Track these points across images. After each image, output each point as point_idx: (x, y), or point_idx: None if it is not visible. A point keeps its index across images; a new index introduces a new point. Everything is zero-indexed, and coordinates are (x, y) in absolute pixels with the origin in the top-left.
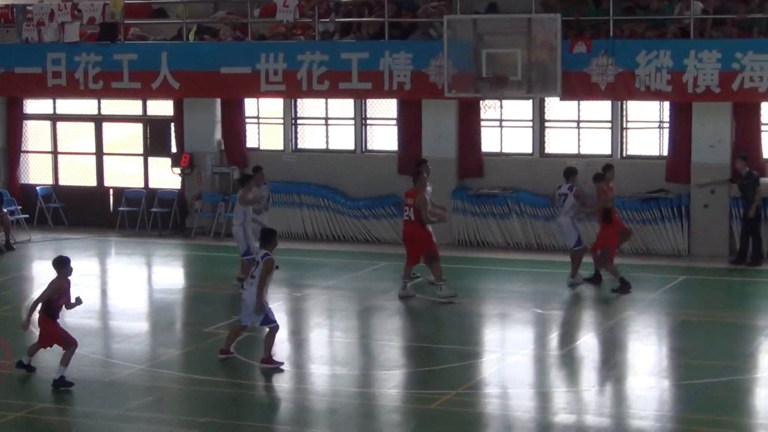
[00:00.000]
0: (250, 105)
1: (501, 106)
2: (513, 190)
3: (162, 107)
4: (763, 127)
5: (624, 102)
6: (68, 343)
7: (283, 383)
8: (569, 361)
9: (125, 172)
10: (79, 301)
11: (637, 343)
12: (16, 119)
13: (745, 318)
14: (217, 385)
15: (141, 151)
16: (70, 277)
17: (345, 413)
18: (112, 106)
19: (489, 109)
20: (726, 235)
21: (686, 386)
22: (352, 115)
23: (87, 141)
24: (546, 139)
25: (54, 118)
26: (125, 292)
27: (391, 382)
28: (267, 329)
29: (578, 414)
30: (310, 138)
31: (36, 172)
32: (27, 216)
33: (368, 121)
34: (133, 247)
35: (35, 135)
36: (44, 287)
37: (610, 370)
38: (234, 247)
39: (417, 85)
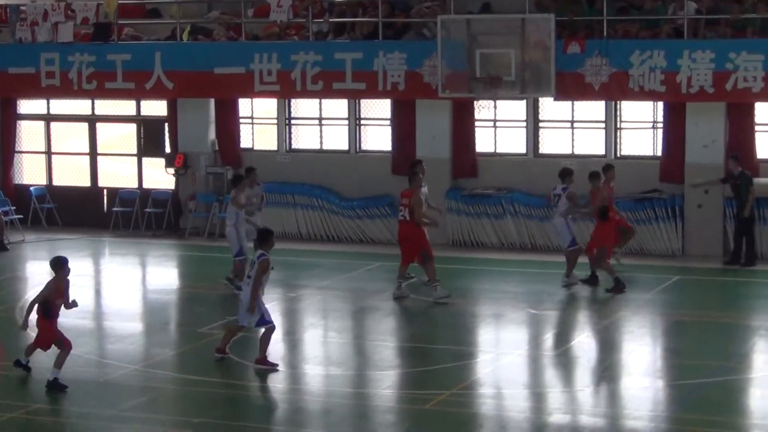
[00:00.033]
0: (244, 105)
1: (495, 107)
2: (507, 190)
3: (156, 107)
4: (756, 128)
5: (618, 102)
6: (63, 345)
7: (277, 384)
8: (564, 362)
9: (119, 173)
10: (74, 303)
11: (631, 343)
12: (9, 119)
13: (739, 318)
14: (211, 385)
15: (135, 152)
16: (68, 278)
17: (339, 414)
18: (105, 106)
19: (483, 109)
20: (720, 236)
21: (680, 386)
22: (346, 116)
23: (81, 141)
24: (540, 139)
25: (48, 118)
26: (119, 292)
27: (386, 383)
28: (263, 330)
29: (573, 414)
30: (304, 138)
31: (30, 172)
32: (21, 216)
33: (362, 122)
34: (127, 247)
35: (29, 135)
36: (38, 287)
37: (604, 371)
38: (228, 248)
39: (411, 85)
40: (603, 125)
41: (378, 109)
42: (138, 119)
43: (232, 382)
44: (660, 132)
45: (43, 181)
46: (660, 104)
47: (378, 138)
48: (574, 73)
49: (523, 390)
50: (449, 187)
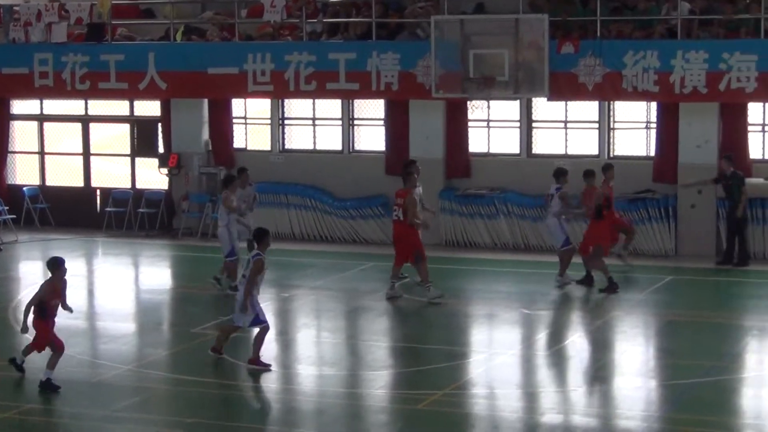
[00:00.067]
0: (238, 105)
1: (488, 107)
2: (500, 190)
3: (149, 107)
4: (750, 128)
5: (611, 102)
6: (55, 347)
7: (270, 384)
8: (556, 362)
9: (112, 173)
10: (70, 310)
11: (624, 343)
12: (2, 120)
13: (731, 318)
14: (204, 385)
15: (128, 152)
16: (65, 278)
17: (332, 414)
18: (99, 106)
19: (476, 109)
20: (713, 236)
21: (673, 386)
22: (340, 116)
23: (74, 141)
24: (533, 139)
25: (41, 118)
26: (112, 292)
27: (379, 383)
28: (257, 329)
29: (565, 414)
30: (298, 138)
31: (23, 172)
32: (14, 216)
33: (356, 122)
34: (120, 247)
35: (22, 135)
36: (31, 287)
37: (597, 371)
38: (220, 248)
39: (404, 85)
40: (596, 125)
41: (371, 109)
42: (131, 119)
43: (225, 382)
44: (653, 132)
45: (37, 182)
46: (653, 104)
47: (371, 138)
48: (568, 74)
49: (515, 390)
50: (442, 188)
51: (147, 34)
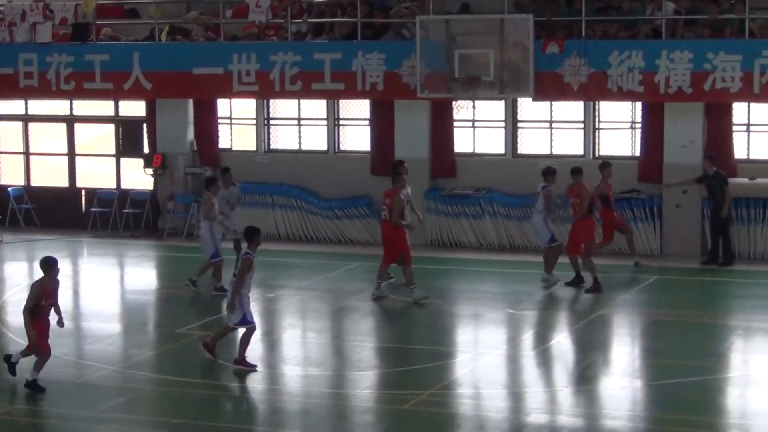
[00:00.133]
0: (223, 105)
1: (474, 107)
2: (486, 190)
3: (134, 108)
4: (734, 128)
5: (596, 102)
6: (40, 352)
7: (256, 384)
8: (542, 362)
9: (97, 173)
10: (60, 323)
11: (609, 343)
12: None
13: (716, 318)
14: (189, 386)
15: (113, 152)
16: (58, 278)
17: (318, 414)
18: (84, 106)
19: (462, 109)
20: (698, 236)
21: (659, 386)
22: (325, 116)
23: (59, 142)
24: (518, 139)
25: (26, 118)
26: (97, 293)
27: (364, 383)
28: (243, 330)
29: (551, 414)
30: (283, 138)
31: (8, 173)
32: None
33: (341, 122)
34: (105, 248)
35: (7, 136)
36: (16, 288)
37: (582, 371)
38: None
39: (390, 85)
40: (581, 125)
41: (357, 109)
42: (116, 120)
43: (211, 382)
44: (638, 132)
45: (21, 182)
46: (638, 104)
47: (357, 138)
48: (553, 74)
49: (501, 390)
50: (428, 188)
51: (132, 34)
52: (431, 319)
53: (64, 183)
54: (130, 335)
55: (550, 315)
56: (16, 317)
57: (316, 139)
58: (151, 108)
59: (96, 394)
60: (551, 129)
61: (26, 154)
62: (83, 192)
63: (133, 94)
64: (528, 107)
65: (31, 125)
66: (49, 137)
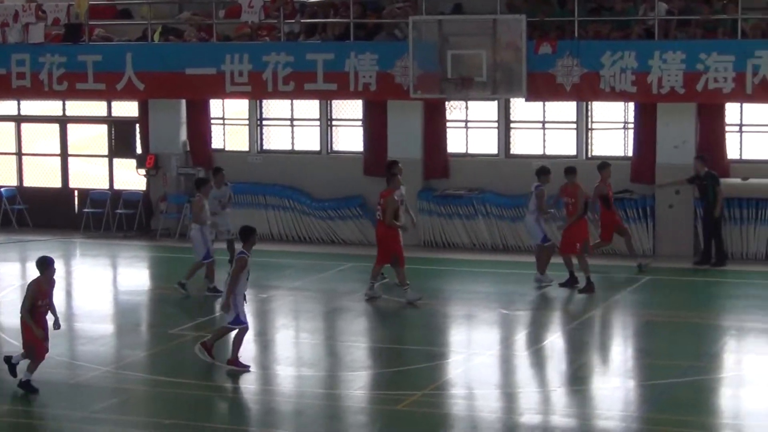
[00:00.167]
0: (216, 106)
1: (466, 107)
2: (479, 190)
3: (127, 108)
4: (727, 128)
5: (589, 103)
6: (34, 355)
7: (249, 385)
8: (535, 362)
9: (90, 174)
10: (56, 324)
11: (602, 343)
12: None
13: (709, 318)
14: (182, 386)
15: (106, 153)
16: (54, 278)
17: (311, 414)
18: (76, 107)
19: (454, 110)
20: (691, 236)
21: (651, 386)
22: (318, 116)
23: (52, 142)
24: (511, 139)
25: (18, 119)
26: (90, 293)
27: (358, 384)
28: (236, 330)
29: (544, 414)
30: (276, 139)
31: (0, 173)
32: None
33: (334, 122)
34: (98, 248)
35: None
36: (8, 289)
37: (575, 371)
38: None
39: (382, 86)
40: (574, 126)
41: (349, 109)
42: (109, 120)
43: (204, 383)
44: (631, 132)
45: (14, 183)
46: (631, 105)
47: (349, 139)
48: (546, 74)
49: (494, 390)
50: (421, 188)
51: (124, 34)
52: (424, 319)
53: (56, 184)
54: (122, 336)
55: (543, 315)
56: (8, 318)
57: (308, 140)
58: (143, 108)
59: (89, 394)
60: (544, 129)
61: (19, 154)
62: (76, 192)
63: (126, 94)
64: (521, 108)
65: (24, 126)
66: (41, 138)
